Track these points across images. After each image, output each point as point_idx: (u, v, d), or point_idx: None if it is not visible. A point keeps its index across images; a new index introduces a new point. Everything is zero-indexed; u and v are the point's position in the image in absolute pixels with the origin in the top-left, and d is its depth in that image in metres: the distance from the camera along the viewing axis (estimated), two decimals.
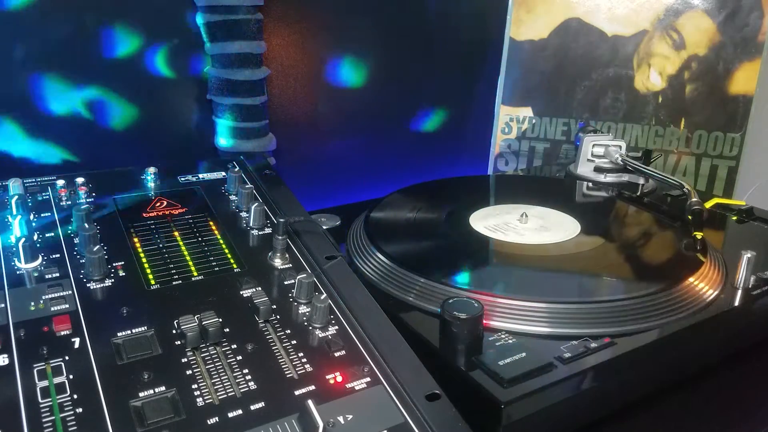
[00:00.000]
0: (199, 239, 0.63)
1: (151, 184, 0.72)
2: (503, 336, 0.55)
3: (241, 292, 0.55)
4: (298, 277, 0.55)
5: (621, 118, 1.18)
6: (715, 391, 0.62)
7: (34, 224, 0.61)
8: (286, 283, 0.58)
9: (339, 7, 1.12)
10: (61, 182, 0.69)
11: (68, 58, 0.92)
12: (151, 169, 0.72)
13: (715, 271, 0.65)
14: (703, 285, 0.63)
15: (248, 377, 0.46)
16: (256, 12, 0.96)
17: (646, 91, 1.16)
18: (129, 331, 0.49)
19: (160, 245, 0.61)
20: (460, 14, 1.24)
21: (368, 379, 0.48)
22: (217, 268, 0.59)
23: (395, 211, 0.81)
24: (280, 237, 0.60)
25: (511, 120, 1.22)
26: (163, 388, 0.44)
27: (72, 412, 0.42)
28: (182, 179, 0.74)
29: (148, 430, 0.41)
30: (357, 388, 0.47)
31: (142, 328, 0.50)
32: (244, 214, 0.68)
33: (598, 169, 0.96)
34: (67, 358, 0.46)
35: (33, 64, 0.90)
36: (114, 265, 0.57)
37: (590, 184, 0.95)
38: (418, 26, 1.21)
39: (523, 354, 0.52)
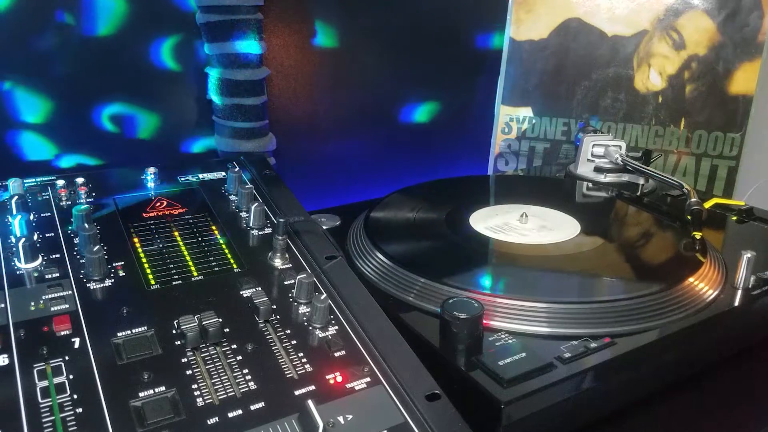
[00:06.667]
0: (199, 239, 0.63)
1: (151, 184, 0.72)
2: (503, 336, 0.55)
3: (241, 292, 0.55)
4: (298, 277, 0.55)
5: (621, 118, 1.18)
6: (715, 391, 0.62)
7: (34, 224, 0.61)
8: (286, 283, 0.58)
9: (339, 7, 1.12)
10: (61, 182, 0.69)
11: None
12: (151, 169, 0.72)
13: (714, 271, 0.65)
14: (703, 285, 0.63)
15: (248, 377, 0.46)
16: (256, 12, 0.96)
17: (646, 91, 1.16)
18: (129, 331, 0.49)
19: (160, 245, 0.61)
20: (460, 14, 1.24)
21: (368, 379, 0.48)
22: (217, 268, 0.59)
23: (395, 211, 0.81)
24: (280, 237, 0.60)
25: (511, 120, 1.22)
26: (163, 388, 0.44)
27: (72, 412, 0.42)
28: (182, 179, 0.74)
29: (148, 430, 0.41)
30: (357, 388, 0.47)
31: (142, 328, 0.50)
32: (244, 214, 0.68)
33: (598, 169, 0.96)
34: (67, 358, 0.46)
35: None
36: (114, 265, 0.57)
37: (590, 184, 0.95)
38: (419, 27, 1.21)
39: (523, 354, 0.52)
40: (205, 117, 1.04)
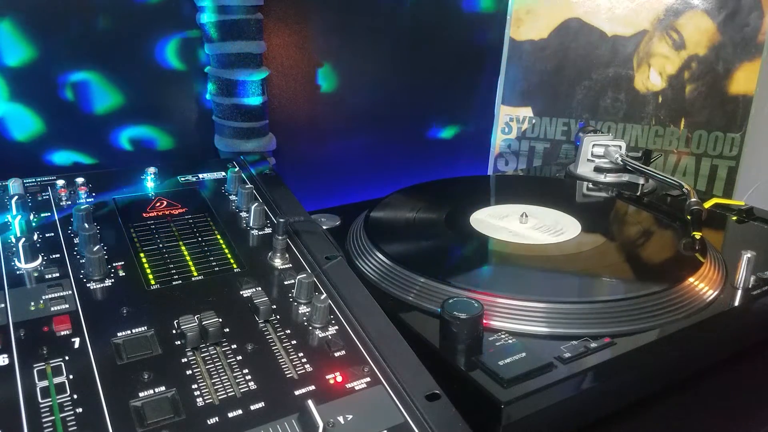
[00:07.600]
0: (199, 239, 0.63)
1: (151, 184, 0.72)
2: (503, 336, 0.55)
3: (241, 292, 0.55)
4: (298, 277, 0.55)
5: (621, 118, 1.18)
6: (715, 391, 0.62)
7: (34, 224, 0.61)
8: (286, 283, 0.58)
9: (339, 7, 1.12)
10: (61, 182, 0.69)
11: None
12: (151, 169, 0.72)
13: (714, 271, 0.65)
14: (703, 285, 0.63)
15: (248, 377, 0.46)
16: (256, 12, 0.96)
17: (646, 91, 1.16)
18: (129, 331, 0.49)
19: (160, 245, 0.61)
20: (460, 14, 1.24)
21: (368, 379, 0.48)
22: (217, 268, 0.59)
23: (395, 211, 0.81)
24: (280, 237, 0.60)
25: (511, 120, 1.22)
26: (163, 388, 0.44)
27: (72, 412, 0.42)
28: (182, 179, 0.74)
29: (148, 430, 0.41)
30: (357, 388, 0.47)
31: (142, 328, 0.50)
32: (244, 214, 0.68)
33: (598, 169, 0.96)
34: (67, 358, 0.46)
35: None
36: (114, 265, 0.57)
37: (590, 184, 0.95)
38: (418, 26, 1.21)
39: (523, 354, 0.52)
40: (205, 117, 1.04)
